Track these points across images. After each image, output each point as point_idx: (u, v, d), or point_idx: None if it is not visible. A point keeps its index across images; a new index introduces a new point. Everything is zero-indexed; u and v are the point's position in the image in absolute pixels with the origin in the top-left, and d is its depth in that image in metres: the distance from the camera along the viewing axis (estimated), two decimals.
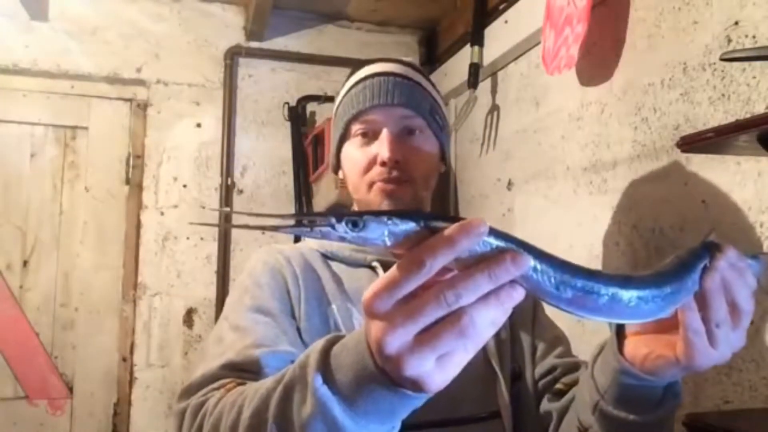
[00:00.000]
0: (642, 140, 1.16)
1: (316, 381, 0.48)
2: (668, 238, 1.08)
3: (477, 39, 1.78)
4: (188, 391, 0.69)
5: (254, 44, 2.20)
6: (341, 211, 0.43)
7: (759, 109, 0.90)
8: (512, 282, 0.43)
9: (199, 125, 2.14)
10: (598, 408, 0.65)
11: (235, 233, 2.15)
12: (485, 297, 0.42)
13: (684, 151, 0.91)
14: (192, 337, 2.06)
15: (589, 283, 0.45)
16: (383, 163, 0.86)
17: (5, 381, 1.91)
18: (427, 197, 0.93)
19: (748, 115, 0.91)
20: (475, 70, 1.76)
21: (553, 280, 0.45)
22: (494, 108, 1.80)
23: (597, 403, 0.65)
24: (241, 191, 2.17)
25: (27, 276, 1.97)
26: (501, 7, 1.72)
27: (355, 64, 0.98)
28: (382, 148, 0.87)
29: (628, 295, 0.47)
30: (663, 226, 1.10)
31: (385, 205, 0.87)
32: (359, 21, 2.33)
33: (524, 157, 1.62)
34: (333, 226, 0.43)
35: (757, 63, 0.89)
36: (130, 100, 2.11)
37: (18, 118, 1.99)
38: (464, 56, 1.84)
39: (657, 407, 0.63)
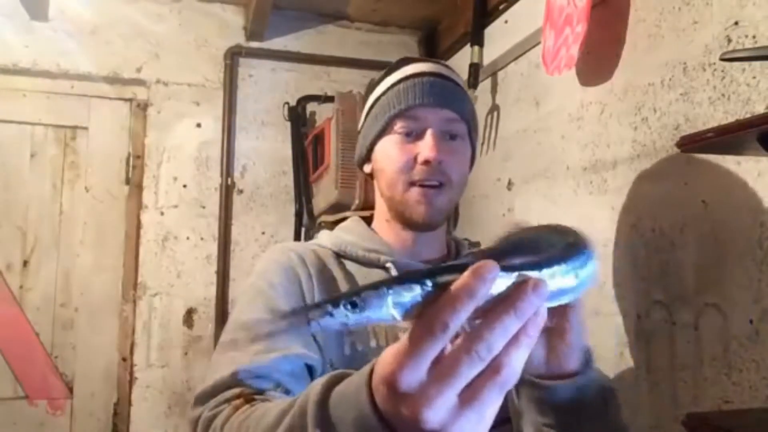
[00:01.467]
0: (642, 140, 1.16)
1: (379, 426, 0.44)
2: (668, 238, 1.08)
3: (477, 39, 1.78)
4: (201, 399, 0.69)
5: (254, 44, 2.20)
6: (335, 295, 0.41)
7: (759, 109, 0.90)
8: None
9: (199, 125, 2.14)
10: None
11: (235, 233, 2.15)
12: (515, 337, 0.39)
13: (684, 151, 0.91)
14: (192, 337, 2.07)
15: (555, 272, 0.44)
16: (426, 162, 0.86)
17: (5, 381, 1.91)
18: (456, 202, 0.94)
19: (748, 115, 0.91)
20: (475, 70, 1.76)
21: (567, 291, 0.44)
22: (494, 108, 1.80)
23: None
24: (241, 191, 2.17)
25: (27, 276, 1.97)
26: (501, 7, 1.72)
27: (397, 61, 0.97)
28: (425, 148, 0.86)
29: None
30: (663, 226, 1.10)
31: (422, 210, 0.87)
32: (359, 21, 2.33)
33: (524, 157, 1.62)
34: (331, 314, 0.39)
35: (757, 63, 0.89)
36: (130, 100, 2.11)
37: (18, 118, 1.99)
38: (464, 56, 1.84)
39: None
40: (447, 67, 0.96)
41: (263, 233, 2.17)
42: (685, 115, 1.05)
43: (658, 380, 1.08)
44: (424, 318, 0.38)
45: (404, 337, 0.39)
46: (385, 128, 0.91)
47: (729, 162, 0.96)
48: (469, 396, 0.38)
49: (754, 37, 0.92)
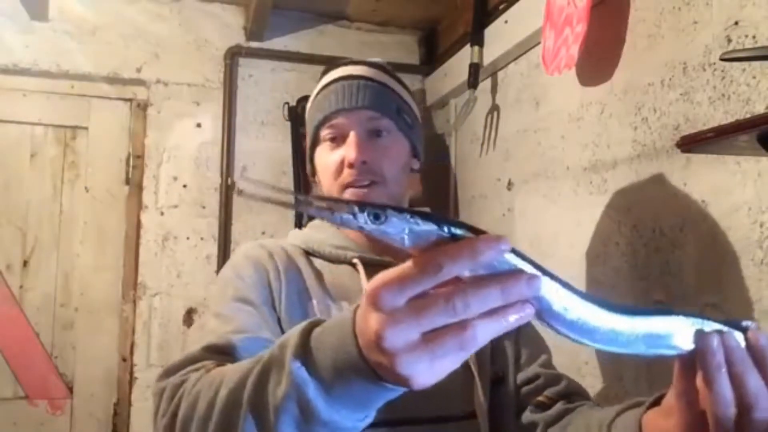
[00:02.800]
0: (642, 140, 1.16)
1: (294, 363, 0.48)
2: (668, 238, 1.08)
3: (477, 39, 1.78)
4: (168, 372, 0.69)
5: (254, 44, 2.20)
6: (365, 202, 0.44)
7: (759, 109, 0.90)
8: (524, 301, 0.43)
9: (199, 125, 2.14)
10: None
11: (235, 233, 2.15)
12: (494, 311, 0.42)
13: (684, 151, 0.91)
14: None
15: (594, 311, 0.46)
16: (351, 165, 0.88)
17: (5, 381, 1.91)
18: (403, 195, 0.95)
19: (748, 115, 0.91)
20: (475, 70, 1.76)
21: (561, 305, 0.45)
22: (494, 108, 1.80)
23: None
24: (241, 191, 2.17)
25: (27, 276, 1.97)
26: (501, 7, 1.72)
27: (326, 68, 1.00)
28: (349, 150, 0.88)
29: (620, 323, 0.47)
30: (663, 226, 1.10)
31: None
32: (359, 21, 2.33)
33: (524, 157, 1.62)
34: (354, 215, 0.43)
35: (757, 63, 0.89)
36: (130, 100, 2.11)
37: (18, 118, 1.99)
38: (464, 56, 1.84)
39: None
40: (373, 66, 0.97)
41: (263, 233, 2.17)
42: (685, 115, 1.06)
43: (658, 380, 1.08)
44: (425, 254, 0.42)
45: (403, 264, 0.42)
46: (315, 140, 0.95)
47: (729, 162, 0.96)
48: (429, 339, 0.41)
49: (754, 37, 0.92)
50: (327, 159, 0.92)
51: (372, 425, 0.51)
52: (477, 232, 0.43)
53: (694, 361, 0.50)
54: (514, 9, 1.64)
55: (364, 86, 0.92)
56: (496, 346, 0.92)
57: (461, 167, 2.02)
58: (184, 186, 2.11)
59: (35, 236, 1.98)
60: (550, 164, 1.49)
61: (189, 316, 2.07)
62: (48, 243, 2.00)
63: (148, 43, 2.10)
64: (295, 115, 2.19)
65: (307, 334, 0.50)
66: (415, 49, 2.38)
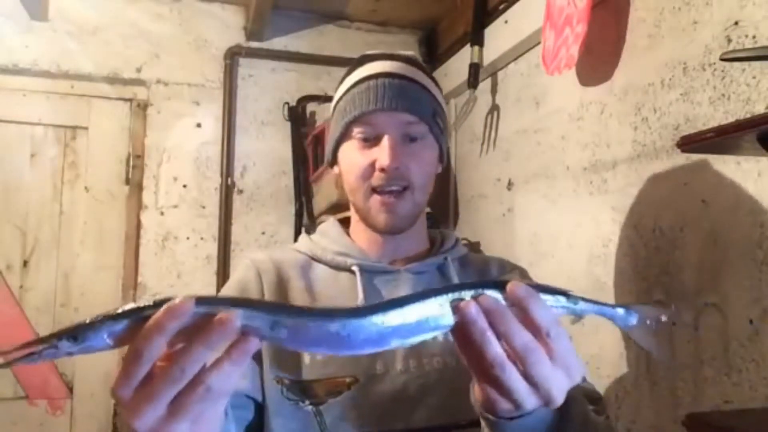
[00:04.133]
0: (642, 140, 1.16)
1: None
2: (668, 238, 1.08)
3: (477, 39, 1.78)
4: None
5: (254, 44, 2.20)
6: (60, 330, 0.47)
7: (759, 109, 0.90)
8: (243, 337, 0.46)
9: (199, 125, 2.14)
10: None
11: (235, 233, 2.15)
12: (218, 361, 0.46)
13: (684, 151, 0.91)
14: None
15: (297, 319, 0.48)
16: (383, 170, 0.84)
17: (5, 381, 1.91)
18: (424, 202, 0.92)
19: (748, 115, 0.91)
20: (475, 70, 1.76)
21: (267, 323, 0.48)
22: (494, 108, 1.80)
23: None
24: (241, 191, 2.17)
25: (27, 276, 1.97)
26: (501, 7, 1.72)
27: (360, 57, 0.94)
28: (382, 154, 0.84)
29: (335, 326, 0.49)
30: (663, 226, 1.10)
31: (383, 219, 0.86)
32: (359, 21, 2.33)
33: (524, 157, 1.62)
34: (56, 346, 0.46)
35: (757, 63, 0.89)
36: (130, 100, 2.11)
37: (18, 118, 1.99)
38: (464, 56, 1.84)
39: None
40: (410, 62, 0.92)
41: (263, 233, 2.17)
42: (685, 115, 1.06)
43: (658, 380, 1.08)
44: (129, 347, 0.46)
45: None
46: (345, 133, 0.90)
47: (729, 162, 0.96)
48: (175, 408, 0.46)
49: (754, 37, 0.92)
50: (356, 158, 0.88)
51: None
52: (161, 304, 0.46)
53: (462, 330, 0.51)
54: (514, 9, 1.64)
55: (406, 87, 0.87)
56: None
57: (461, 167, 2.02)
58: (184, 186, 2.11)
59: (35, 236, 1.98)
60: (550, 164, 1.49)
61: None
62: (48, 243, 2.00)
63: (148, 43, 2.10)
64: (295, 115, 2.20)
65: None
66: (415, 49, 2.38)
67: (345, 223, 0.98)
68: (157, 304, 0.46)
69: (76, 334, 0.46)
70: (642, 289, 1.14)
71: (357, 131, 0.88)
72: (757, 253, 0.90)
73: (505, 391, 0.51)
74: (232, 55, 2.16)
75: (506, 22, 1.68)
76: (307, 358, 0.81)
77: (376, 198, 0.86)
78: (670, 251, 1.08)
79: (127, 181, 2.08)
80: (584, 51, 1.23)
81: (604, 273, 1.26)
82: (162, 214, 2.08)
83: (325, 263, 0.90)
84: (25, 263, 1.97)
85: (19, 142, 1.99)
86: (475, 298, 0.50)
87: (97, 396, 2.00)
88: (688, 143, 0.85)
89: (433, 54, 2.33)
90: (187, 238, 2.09)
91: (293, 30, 2.25)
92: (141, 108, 2.11)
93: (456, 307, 0.50)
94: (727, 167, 0.96)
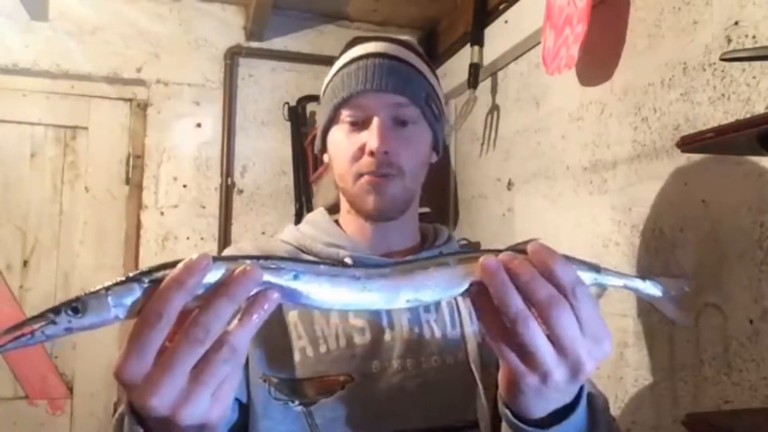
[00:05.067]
0: (642, 140, 1.16)
1: (131, 421, 0.48)
2: (668, 238, 1.08)
3: (477, 39, 1.78)
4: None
5: (254, 44, 2.20)
6: (60, 303, 0.42)
7: (759, 109, 0.90)
8: (263, 291, 0.43)
9: (199, 125, 2.14)
10: None
11: (235, 233, 2.15)
12: (240, 317, 0.43)
13: (684, 151, 0.91)
14: None
15: (318, 268, 0.46)
16: (371, 153, 0.80)
17: (5, 381, 1.91)
18: (416, 190, 0.88)
19: (748, 115, 0.91)
20: (475, 70, 1.76)
21: (289, 275, 0.45)
22: (494, 108, 1.80)
23: None
24: (241, 191, 2.17)
25: (27, 276, 1.97)
26: (501, 7, 1.72)
27: (352, 40, 0.90)
28: (371, 137, 0.80)
29: (355, 273, 0.47)
30: (663, 226, 1.10)
31: (371, 201, 0.82)
32: (359, 21, 2.33)
33: (524, 157, 1.62)
34: (54, 321, 0.41)
35: (757, 63, 0.89)
36: (130, 100, 2.11)
37: (18, 118, 1.99)
38: (464, 56, 1.83)
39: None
40: (403, 44, 0.88)
41: (263, 233, 2.17)
42: (685, 115, 1.06)
43: (658, 380, 1.08)
44: (143, 312, 0.41)
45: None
46: (333, 117, 0.86)
47: (729, 162, 0.96)
48: (197, 373, 0.42)
49: (754, 37, 0.92)
50: (345, 142, 0.84)
51: None
52: (174, 264, 0.42)
53: (482, 292, 0.48)
54: (514, 9, 1.64)
55: (395, 67, 0.82)
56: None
57: (461, 167, 2.02)
58: (184, 186, 2.11)
59: (35, 236, 1.99)
60: (550, 164, 1.49)
61: None
62: (48, 243, 2.00)
63: (148, 43, 2.10)
64: (295, 115, 2.20)
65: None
66: None
67: (334, 212, 0.93)
68: (166, 266, 0.43)
69: (77, 305, 0.41)
70: None
71: (345, 114, 0.84)
72: (757, 253, 0.90)
73: (530, 356, 0.47)
74: (232, 55, 2.16)
75: (506, 22, 1.68)
76: (297, 355, 0.77)
77: (364, 179, 0.82)
78: (670, 251, 1.08)
79: (127, 181, 2.08)
80: (584, 51, 1.23)
81: None
82: (162, 214, 2.08)
83: (315, 254, 0.84)
84: (25, 263, 1.97)
85: (19, 142, 1.99)
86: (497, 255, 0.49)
87: (97, 396, 2.00)
88: (688, 143, 0.85)
89: (433, 54, 2.33)
90: (187, 238, 2.09)
91: (293, 30, 2.25)
92: (141, 108, 2.11)
93: (478, 263, 0.48)
94: (727, 167, 0.96)
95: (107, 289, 0.42)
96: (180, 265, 0.42)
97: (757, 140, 0.76)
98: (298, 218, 2.15)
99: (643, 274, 0.59)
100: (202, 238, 2.11)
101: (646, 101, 1.15)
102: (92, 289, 0.42)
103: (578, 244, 1.35)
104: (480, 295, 0.49)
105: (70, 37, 2.02)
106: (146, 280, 0.42)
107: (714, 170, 0.99)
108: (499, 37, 1.71)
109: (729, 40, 0.97)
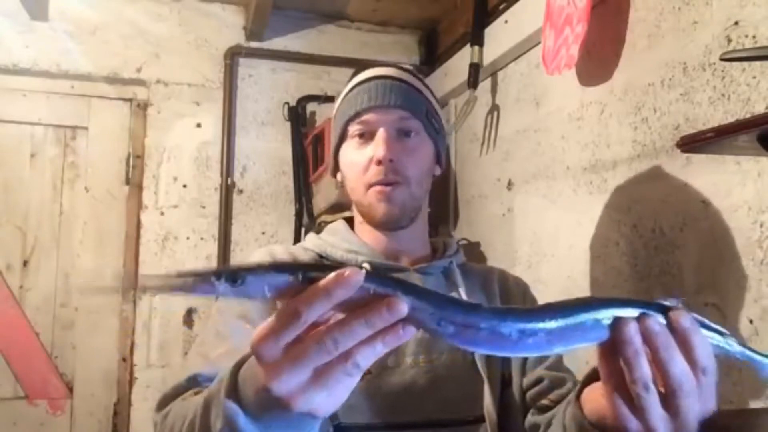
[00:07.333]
0: (642, 140, 1.16)
1: (225, 397, 0.51)
2: (668, 238, 1.08)
3: (477, 39, 1.77)
4: (160, 403, 0.75)
5: (254, 44, 2.20)
6: (221, 268, 0.46)
7: (759, 109, 0.90)
8: (401, 321, 0.45)
9: (199, 125, 2.14)
10: None
11: (235, 233, 2.15)
12: (371, 339, 0.44)
13: (684, 151, 0.91)
14: (192, 337, 2.06)
15: (469, 318, 0.47)
16: (378, 162, 0.88)
17: (5, 381, 1.91)
18: (423, 198, 0.95)
19: (748, 115, 0.91)
20: (475, 70, 1.76)
21: (434, 317, 0.46)
22: (494, 108, 1.80)
23: None
24: (241, 191, 2.17)
25: (27, 276, 1.97)
26: (501, 7, 1.72)
27: (357, 69, 0.99)
28: (377, 148, 0.88)
29: (507, 328, 0.47)
30: (663, 226, 1.10)
31: (381, 208, 0.89)
32: (359, 21, 2.33)
33: (524, 157, 1.62)
34: (213, 285, 0.44)
35: (757, 63, 0.89)
36: (130, 100, 2.11)
37: (18, 118, 1.99)
38: (464, 56, 1.83)
39: None
40: (404, 70, 0.97)
41: (263, 233, 2.17)
42: (685, 115, 1.06)
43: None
44: (287, 303, 0.44)
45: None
46: (343, 135, 0.94)
47: (729, 162, 0.96)
48: (319, 375, 0.45)
49: (754, 37, 0.92)
50: (354, 156, 0.92)
51: (378, 429, 0.53)
52: (331, 269, 0.44)
53: (614, 347, 0.49)
54: (514, 9, 1.64)
55: (398, 87, 0.92)
56: None
57: (461, 167, 2.02)
58: (184, 186, 2.11)
59: (35, 236, 1.98)
60: (550, 164, 1.49)
61: (189, 316, 2.07)
62: (48, 243, 1.99)
63: (148, 43, 2.10)
64: (295, 115, 2.20)
65: (237, 368, 0.53)
66: (415, 49, 2.38)
67: (348, 223, 1.00)
68: (322, 268, 0.45)
69: (237, 276, 0.44)
70: (642, 289, 1.14)
71: (353, 130, 0.92)
72: (757, 253, 0.90)
73: (641, 412, 0.49)
74: (232, 55, 2.16)
75: (506, 22, 1.68)
76: None
77: (373, 189, 0.89)
78: (670, 251, 1.08)
79: (127, 181, 2.08)
80: (584, 51, 1.23)
81: (604, 273, 1.26)
82: (162, 214, 2.08)
83: (334, 260, 0.92)
84: (25, 263, 1.97)
85: (19, 142, 1.99)
86: (638, 317, 0.49)
87: (97, 396, 2.00)
88: (688, 143, 0.85)
89: (433, 54, 2.33)
90: (187, 238, 2.09)
91: (293, 30, 2.25)
92: (141, 108, 2.11)
93: (615, 322, 0.49)
94: (727, 167, 0.96)
95: (266, 269, 0.45)
96: (332, 276, 0.43)
97: (757, 140, 0.76)
98: (298, 218, 2.15)
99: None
100: (202, 238, 2.11)
101: (646, 101, 1.15)
102: (252, 266, 0.45)
103: (578, 244, 1.35)
104: (609, 346, 0.50)
105: (70, 37, 2.01)
106: (300, 276, 0.44)
107: (714, 170, 0.99)
108: (499, 37, 1.71)
109: (729, 40, 0.97)
